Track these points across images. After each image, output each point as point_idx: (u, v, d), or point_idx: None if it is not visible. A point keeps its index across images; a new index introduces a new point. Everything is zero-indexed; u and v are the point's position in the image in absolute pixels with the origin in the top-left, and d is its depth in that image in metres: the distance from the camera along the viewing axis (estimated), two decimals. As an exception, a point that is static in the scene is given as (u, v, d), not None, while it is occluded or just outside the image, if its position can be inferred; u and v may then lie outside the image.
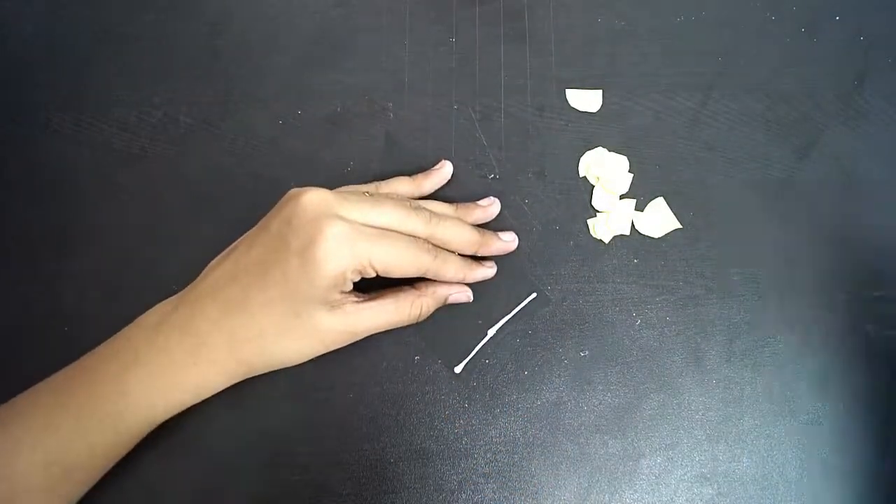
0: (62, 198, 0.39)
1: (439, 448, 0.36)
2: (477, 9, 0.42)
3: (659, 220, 0.38)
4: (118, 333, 0.32)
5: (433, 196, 0.38)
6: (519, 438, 0.35)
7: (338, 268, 0.29)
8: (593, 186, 0.39)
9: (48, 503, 0.30)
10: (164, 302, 0.33)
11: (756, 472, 0.36)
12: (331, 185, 0.33)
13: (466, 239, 0.34)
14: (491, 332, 0.37)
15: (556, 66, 0.41)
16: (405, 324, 0.34)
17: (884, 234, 0.38)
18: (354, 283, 0.32)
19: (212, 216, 0.38)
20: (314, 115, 0.40)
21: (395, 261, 0.31)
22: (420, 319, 0.34)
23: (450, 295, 0.35)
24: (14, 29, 0.42)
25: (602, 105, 0.40)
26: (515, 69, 0.41)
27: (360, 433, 0.36)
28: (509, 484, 0.35)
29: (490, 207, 0.37)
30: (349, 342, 0.32)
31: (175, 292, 0.33)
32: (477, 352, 0.37)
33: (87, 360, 0.31)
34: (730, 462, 0.36)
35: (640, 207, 0.38)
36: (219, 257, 0.33)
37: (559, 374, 0.36)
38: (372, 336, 0.33)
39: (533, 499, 0.35)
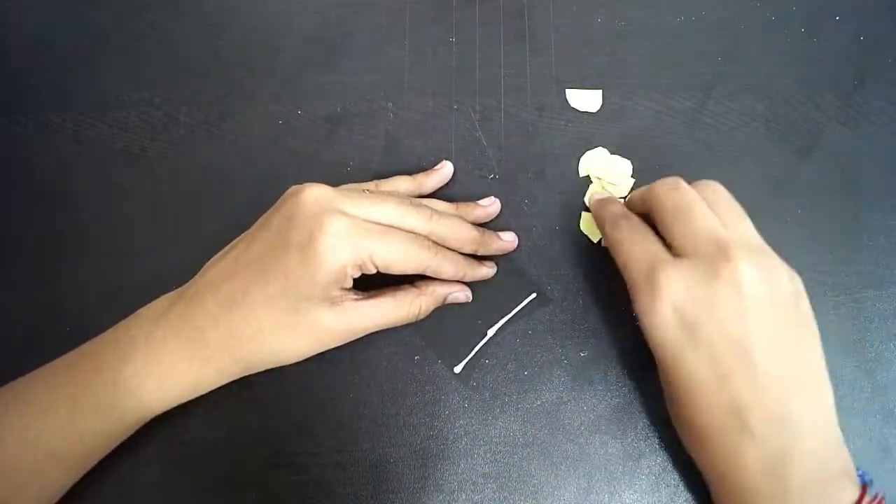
0: (62, 198, 0.39)
1: (439, 448, 0.36)
2: (477, 9, 0.42)
3: None
4: (118, 324, 0.32)
5: (433, 196, 0.38)
6: (519, 438, 0.35)
7: (338, 263, 0.29)
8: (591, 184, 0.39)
9: (37, 488, 0.30)
10: (164, 296, 0.33)
11: (756, 472, 0.35)
12: (330, 184, 0.33)
13: (466, 237, 0.34)
14: (491, 332, 0.37)
15: (556, 66, 0.41)
16: (404, 322, 0.34)
17: (884, 234, 0.38)
18: (354, 283, 0.32)
19: (212, 216, 0.38)
20: (314, 115, 0.40)
21: (396, 257, 0.31)
22: (419, 318, 0.34)
23: (449, 294, 0.35)
24: (14, 29, 0.42)
25: (602, 105, 0.40)
26: (515, 69, 0.41)
27: (360, 433, 0.36)
28: (509, 484, 0.35)
29: (490, 207, 0.37)
30: (347, 340, 0.32)
31: (175, 292, 0.33)
32: (477, 352, 0.36)
33: (86, 348, 0.32)
34: (730, 462, 0.36)
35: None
36: (219, 254, 0.33)
37: (559, 374, 0.36)
38: (372, 336, 0.33)
39: (533, 499, 0.35)
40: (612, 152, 0.39)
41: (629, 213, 0.33)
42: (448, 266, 0.33)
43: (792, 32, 0.41)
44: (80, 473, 0.32)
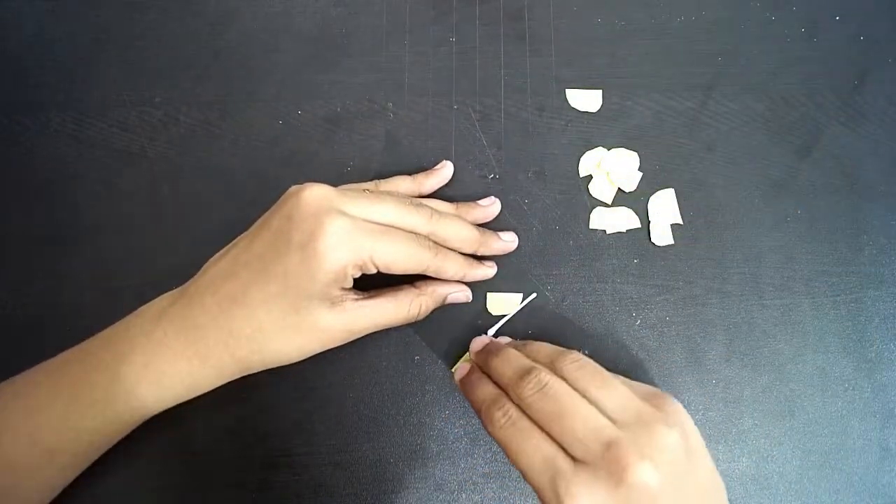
0: (62, 197, 0.39)
1: (439, 448, 0.36)
2: (477, 9, 0.42)
3: (662, 207, 0.38)
4: (119, 322, 0.32)
5: (433, 196, 0.38)
6: (519, 438, 0.35)
7: (339, 262, 0.29)
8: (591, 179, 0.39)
9: (33, 484, 0.30)
10: (164, 295, 0.33)
11: (756, 472, 0.36)
12: (330, 184, 0.33)
13: (467, 236, 0.34)
14: (491, 332, 0.37)
15: (556, 66, 0.41)
16: (404, 322, 0.34)
17: (884, 234, 0.38)
18: (354, 283, 0.32)
19: (212, 216, 0.38)
20: (314, 115, 0.40)
21: (396, 256, 0.31)
22: (419, 318, 0.34)
23: (449, 294, 0.35)
24: (14, 29, 0.42)
25: (602, 105, 0.40)
26: (515, 69, 0.41)
27: (360, 433, 0.36)
28: (509, 484, 0.35)
29: (490, 207, 0.37)
30: (347, 340, 0.32)
31: (175, 292, 0.33)
32: (477, 352, 0.36)
33: (86, 346, 0.32)
34: (729, 462, 0.36)
35: (641, 207, 0.38)
36: (219, 253, 0.33)
37: (559, 374, 0.36)
38: (372, 336, 0.33)
39: (533, 499, 0.35)
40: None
41: (505, 403, 0.30)
42: (449, 266, 0.33)
43: (792, 32, 0.41)
44: (78, 471, 0.32)
